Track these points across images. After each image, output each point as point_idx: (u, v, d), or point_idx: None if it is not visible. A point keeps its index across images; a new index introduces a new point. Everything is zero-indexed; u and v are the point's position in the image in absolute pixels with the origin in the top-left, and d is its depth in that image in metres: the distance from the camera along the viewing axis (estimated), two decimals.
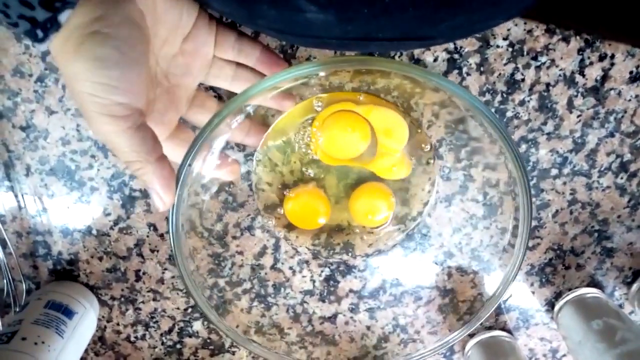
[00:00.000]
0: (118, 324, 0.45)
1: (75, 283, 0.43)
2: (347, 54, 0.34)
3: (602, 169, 0.39)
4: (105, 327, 0.45)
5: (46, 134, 0.38)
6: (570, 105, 0.37)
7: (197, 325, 0.45)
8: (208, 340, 0.46)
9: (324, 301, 0.43)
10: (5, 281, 0.42)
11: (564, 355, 0.46)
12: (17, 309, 0.41)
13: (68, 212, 0.40)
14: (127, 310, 0.44)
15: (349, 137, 0.35)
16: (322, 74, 0.32)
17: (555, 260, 0.42)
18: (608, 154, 0.38)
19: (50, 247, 0.42)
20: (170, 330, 0.46)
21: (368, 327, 0.43)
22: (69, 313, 0.40)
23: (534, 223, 0.41)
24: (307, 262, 0.42)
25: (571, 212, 0.40)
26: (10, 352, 0.35)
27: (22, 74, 0.36)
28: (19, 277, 0.42)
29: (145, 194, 0.40)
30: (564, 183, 0.39)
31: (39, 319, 0.38)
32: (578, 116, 0.37)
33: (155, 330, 0.45)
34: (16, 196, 0.40)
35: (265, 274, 0.42)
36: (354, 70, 0.33)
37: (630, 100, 0.37)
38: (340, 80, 0.35)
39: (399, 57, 0.35)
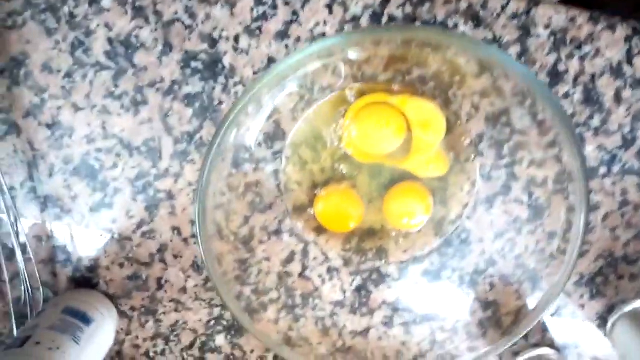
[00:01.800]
0: (137, 337, 0.43)
1: (94, 291, 0.41)
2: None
3: None
4: (124, 340, 0.43)
5: (71, 131, 0.37)
6: (617, 98, 0.35)
7: (220, 340, 0.43)
8: (231, 357, 0.43)
9: (355, 313, 0.40)
10: (22, 288, 0.40)
11: None
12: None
13: (90, 215, 0.39)
14: (147, 322, 0.42)
15: (383, 131, 0.34)
16: (354, 56, 0.30)
17: (607, 269, 0.39)
18: None
19: (71, 252, 0.40)
20: (191, 345, 0.43)
21: (403, 343, 0.40)
22: (86, 320, 0.38)
23: None
24: (337, 269, 0.39)
25: (622, 215, 0.37)
26: (23, 357, 0.33)
27: (51, 69, 0.35)
28: (37, 285, 0.41)
29: (170, 196, 0.38)
30: (614, 183, 0.37)
31: (55, 325, 0.36)
32: (627, 109, 0.35)
33: (176, 345, 0.43)
34: (38, 198, 0.39)
35: (293, 282, 0.40)
36: (388, 57, 0.32)
37: None
38: (373, 71, 0.33)
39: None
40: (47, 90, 0.36)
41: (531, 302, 0.35)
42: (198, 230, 0.32)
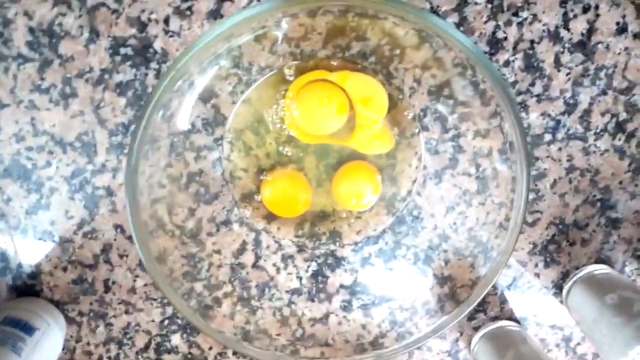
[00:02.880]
0: (89, 344, 0.41)
1: (37, 298, 0.39)
2: None
3: (598, 130, 0.36)
4: (75, 348, 0.41)
5: None
6: (557, 63, 0.35)
7: (176, 339, 0.41)
8: (189, 356, 0.42)
9: (313, 300, 0.39)
10: None
11: (578, 344, 0.43)
12: None
13: (26, 218, 0.37)
14: (97, 326, 0.40)
15: (325, 109, 0.33)
16: (287, 27, 0.29)
17: (559, 236, 0.39)
18: (602, 114, 0.36)
19: (9, 259, 0.38)
20: (146, 347, 0.41)
21: (363, 326, 0.40)
22: (28, 329, 0.35)
23: (532, 195, 0.38)
24: (291, 256, 0.38)
25: (570, 181, 0.38)
26: None
27: None
28: None
29: (109, 192, 0.36)
30: (559, 149, 0.37)
31: None
32: (567, 74, 0.35)
33: (130, 348, 0.41)
34: None
35: (247, 273, 0.38)
36: (326, 31, 0.31)
37: (619, 53, 0.35)
38: (312, 47, 0.32)
39: None
40: None
41: (484, 273, 0.35)
42: (132, 229, 0.30)
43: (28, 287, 0.39)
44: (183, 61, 0.25)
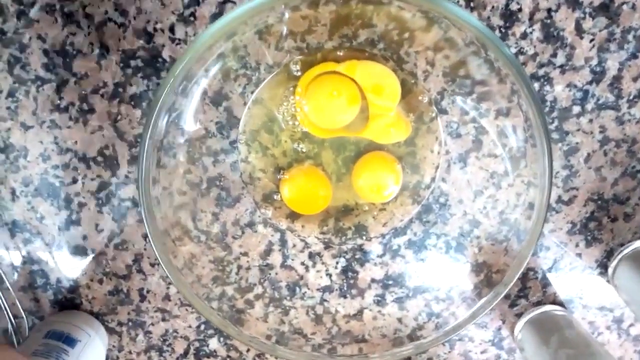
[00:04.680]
0: (130, 352, 0.42)
1: (77, 311, 0.40)
2: None
3: (631, 97, 0.34)
4: (118, 357, 0.42)
5: (25, 152, 0.36)
6: (579, 30, 0.33)
7: (214, 343, 0.42)
8: (228, 359, 0.42)
9: (345, 297, 0.39)
10: (7, 318, 0.39)
11: (631, 325, 0.40)
12: None
13: (60, 234, 0.38)
14: (137, 335, 0.41)
15: (335, 102, 0.32)
16: (289, 20, 0.29)
17: (599, 213, 0.37)
18: (635, 79, 0.34)
19: (48, 275, 0.39)
20: (186, 353, 0.42)
21: (399, 320, 0.39)
22: (70, 341, 0.37)
23: (565, 172, 0.36)
24: (319, 254, 0.38)
25: (605, 154, 0.35)
26: None
27: None
28: (20, 314, 0.40)
29: (135, 202, 0.37)
30: (590, 121, 0.35)
31: (37, 350, 0.35)
32: (591, 40, 0.33)
33: (171, 355, 0.42)
34: (5, 225, 0.38)
35: (276, 274, 0.38)
36: (330, 21, 0.30)
37: None
38: (318, 40, 0.32)
39: None
40: None
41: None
42: (152, 241, 0.30)
43: (68, 301, 0.40)
44: (184, 62, 0.25)
